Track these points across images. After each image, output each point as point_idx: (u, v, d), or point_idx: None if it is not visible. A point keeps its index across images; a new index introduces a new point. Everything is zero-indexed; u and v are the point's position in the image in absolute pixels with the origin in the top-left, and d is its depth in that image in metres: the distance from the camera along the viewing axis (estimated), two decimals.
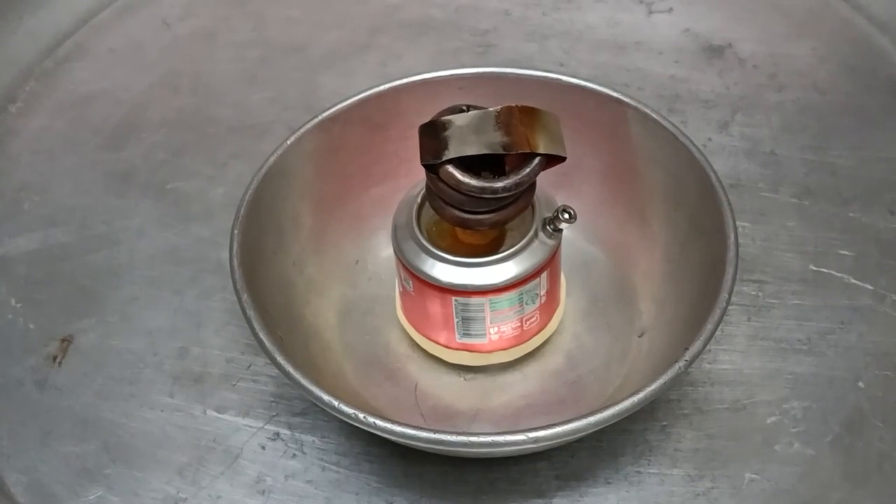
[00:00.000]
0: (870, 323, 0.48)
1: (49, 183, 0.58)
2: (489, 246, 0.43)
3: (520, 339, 0.45)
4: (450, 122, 0.39)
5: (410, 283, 0.44)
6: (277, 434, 0.46)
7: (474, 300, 0.43)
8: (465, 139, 0.38)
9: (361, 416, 0.38)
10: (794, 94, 0.60)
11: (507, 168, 0.40)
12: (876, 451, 0.44)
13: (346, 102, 0.49)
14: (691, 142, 0.46)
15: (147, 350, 0.49)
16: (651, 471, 0.44)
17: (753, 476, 0.43)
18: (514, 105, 0.39)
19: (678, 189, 0.46)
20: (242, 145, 0.59)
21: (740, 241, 0.43)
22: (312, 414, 0.46)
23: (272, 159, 0.46)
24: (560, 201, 0.43)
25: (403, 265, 0.44)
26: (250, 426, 0.46)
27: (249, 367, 0.48)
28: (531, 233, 0.43)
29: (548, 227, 0.43)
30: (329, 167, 0.49)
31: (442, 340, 0.45)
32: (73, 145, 0.60)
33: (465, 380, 0.47)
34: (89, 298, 0.52)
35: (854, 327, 0.48)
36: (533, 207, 0.43)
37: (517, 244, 0.43)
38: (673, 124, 0.46)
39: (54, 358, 0.49)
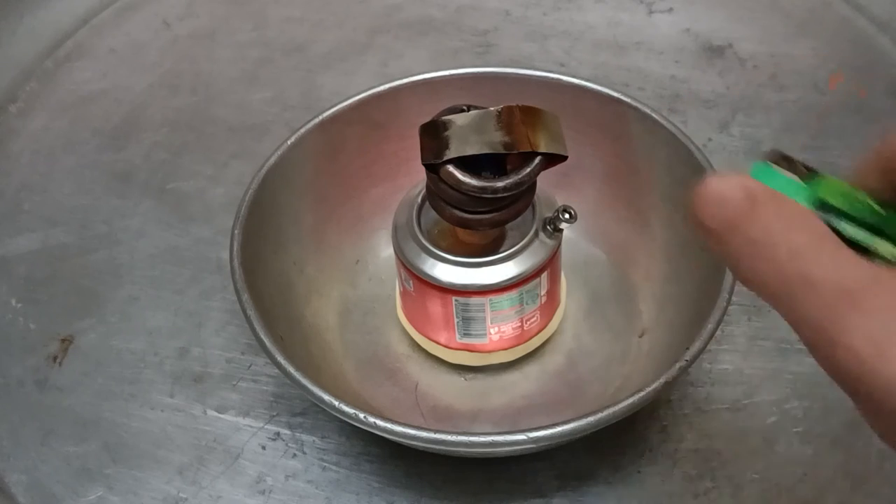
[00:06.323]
0: None
1: (49, 183, 0.58)
2: (489, 246, 0.43)
3: (520, 339, 0.45)
4: (450, 121, 0.39)
5: (411, 282, 0.44)
6: (278, 434, 0.46)
7: (475, 300, 0.43)
8: (466, 139, 0.38)
9: (362, 416, 0.38)
10: (794, 94, 0.60)
11: (507, 168, 0.40)
12: (876, 451, 0.44)
13: (346, 102, 0.49)
14: (691, 142, 0.46)
15: (147, 350, 0.49)
16: (651, 471, 0.44)
17: (753, 476, 0.43)
18: (514, 105, 0.38)
19: (678, 189, 0.46)
20: (242, 145, 0.59)
21: None
22: (313, 414, 0.46)
23: (272, 159, 0.46)
24: (560, 201, 0.43)
25: (404, 265, 0.44)
26: (251, 426, 0.46)
27: (250, 367, 0.48)
28: (531, 233, 0.43)
29: (548, 227, 0.43)
30: (329, 167, 0.49)
31: (442, 340, 0.45)
32: (73, 145, 0.60)
33: (466, 380, 0.47)
34: (89, 298, 0.52)
35: None
36: (533, 207, 0.43)
37: (517, 244, 0.43)
38: (673, 124, 0.46)
39: (54, 358, 0.49)
